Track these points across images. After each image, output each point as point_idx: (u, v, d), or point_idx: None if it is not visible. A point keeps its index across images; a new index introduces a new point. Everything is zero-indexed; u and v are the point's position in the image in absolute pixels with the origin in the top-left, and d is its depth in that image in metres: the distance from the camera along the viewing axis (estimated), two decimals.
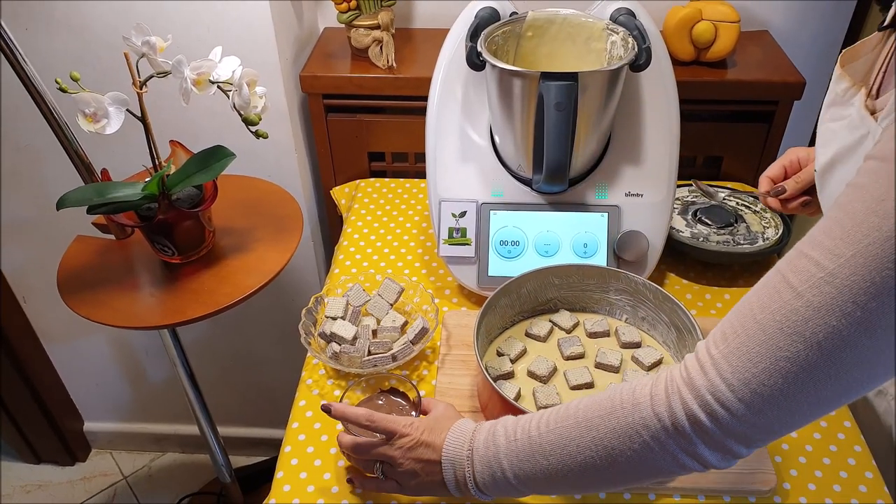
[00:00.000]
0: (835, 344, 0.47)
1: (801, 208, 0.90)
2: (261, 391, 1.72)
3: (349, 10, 1.20)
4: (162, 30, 0.89)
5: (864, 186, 0.47)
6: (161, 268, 1.00)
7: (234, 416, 1.78)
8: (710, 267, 1.09)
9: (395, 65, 1.22)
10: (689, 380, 0.54)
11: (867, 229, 0.45)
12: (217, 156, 0.93)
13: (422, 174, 1.11)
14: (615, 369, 0.87)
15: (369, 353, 0.90)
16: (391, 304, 0.96)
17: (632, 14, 0.94)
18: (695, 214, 1.12)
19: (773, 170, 0.92)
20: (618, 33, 0.94)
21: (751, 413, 0.51)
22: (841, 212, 0.48)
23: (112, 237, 1.05)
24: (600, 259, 0.99)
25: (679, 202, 1.15)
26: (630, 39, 0.92)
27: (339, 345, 0.91)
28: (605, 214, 0.99)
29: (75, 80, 0.84)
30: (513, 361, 0.89)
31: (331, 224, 1.46)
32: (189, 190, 0.96)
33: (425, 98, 1.03)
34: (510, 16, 0.98)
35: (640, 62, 0.91)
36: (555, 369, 0.87)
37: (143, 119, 0.87)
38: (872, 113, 0.63)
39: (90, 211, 0.91)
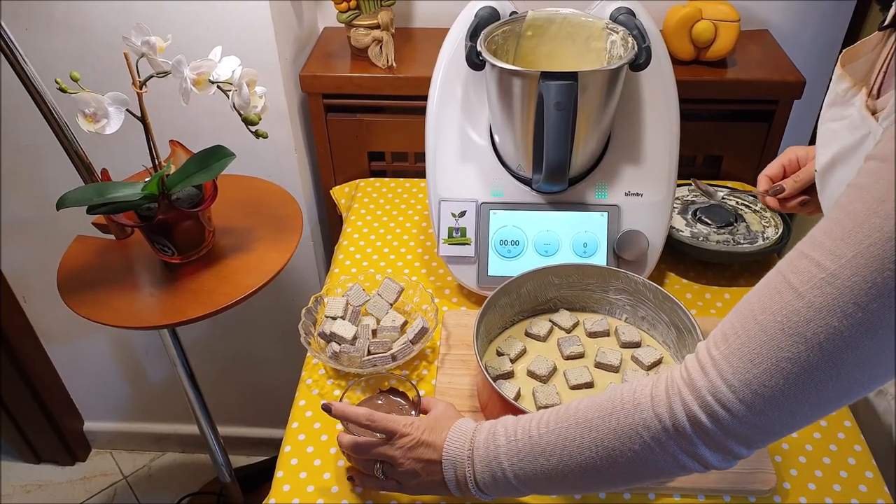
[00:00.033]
0: (836, 345, 0.47)
1: (799, 207, 0.90)
2: (261, 391, 1.72)
3: (349, 9, 1.20)
4: (162, 30, 0.89)
5: (864, 187, 0.47)
6: (161, 268, 1.00)
7: (234, 416, 1.78)
8: (709, 266, 1.09)
9: (394, 64, 1.22)
10: (690, 380, 0.54)
11: (868, 230, 0.45)
12: (217, 156, 0.93)
13: (422, 174, 1.11)
14: (615, 369, 0.87)
15: (369, 353, 0.90)
16: (391, 304, 0.96)
17: (631, 13, 0.94)
18: (695, 214, 1.12)
19: (772, 168, 0.92)
20: (617, 32, 0.94)
21: (752, 414, 0.51)
22: (842, 212, 0.48)
23: (112, 237, 1.05)
24: (600, 258, 0.99)
25: (679, 202, 1.15)
26: (630, 39, 0.92)
27: (339, 344, 0.91)
28: (605, 214, 0.99)
29: (75, 80, 0.84)
30: (512, 361, 0.89)
31: (331, 224, 1.46)
32: (189, 190, 0.96)
33: (425, 98, 1.03)
34: (510, 15, 0.98)
35: (639, 61, 0.91)
36: (554, 369, 0.87)
37: (142, 119, 0.87)
38: (873, 113, 0.63)
39: (90, 211, 0.91)
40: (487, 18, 0.96)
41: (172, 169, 0.95)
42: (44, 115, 0.91)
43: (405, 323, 0.95)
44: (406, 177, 1.31)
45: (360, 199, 1.25)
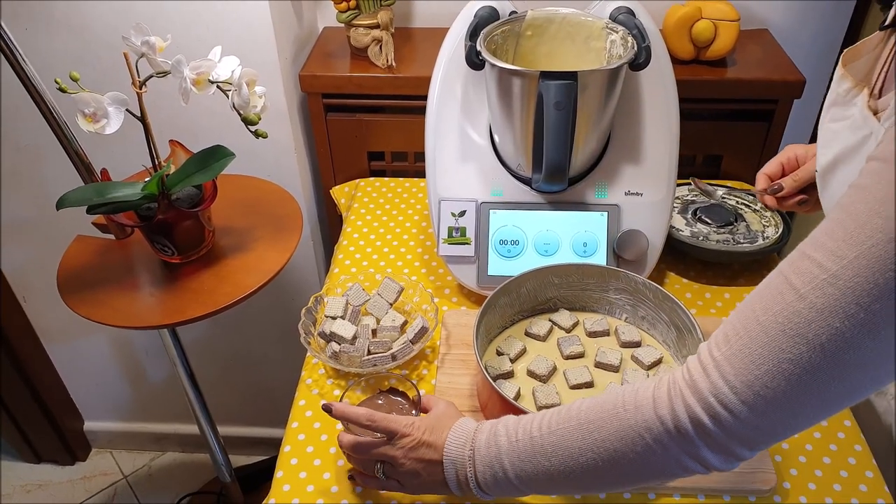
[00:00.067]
0: (838, 346, 0.47)
1: (797, 206, 0.90)
2: (261, 391, 1.72)
3: (348, 9, 1.20)
4: (162, 30, 0.89)
5: (866, 188, 0.47)
6: (161, 268, 1.00)
7: (234, 416, 1.78)
8: (709, 266, 1.09)
9: (394, 64, 1.21)
10: (692, 382, 0.54)
11: (870, 231, 0.45)
12: (216, 155, 0.93)
13: (421, 173, 1.11)
14: (615, 369, 0.87)
15: (369, 353, 0.90)
16: (391, 304, 0.96)
17: (631, 13, 0.94)
18: (695, 213, 1.12)
19: (771, 167, 0.92)
20: (617, 32, 0.94)
21: (754, 415, 0.51)
22: (843, 213, 0.48)
23: (112, 237, 1.05)
24: (600, 258, 0.99)
25: (679, 201, 1.15)
26: (629, 38, 0.92)
27: (339, 344, 0.91)
28: (605, 213, 0.99)
29: (75, 80, 0.84)
30: (512, 361, 0.89)
31: (330, 223, 1.46)
32: (189, 190, 0.96)
33: (425, 97, 1.03)
34: (509, 15, 0.98)
35: (639, 61, 0.90)
36: (554, 369, 0.87)
37: (142, 119, 0.87)
38: (875, 113, 0.63)
39: (90, 211, 0.91)
40: (487, 18, 0.96)
41: (172, 169, 0.95)
42: (44, 115, 0.90)
43: (405, 323, 0.95)
44: (406, 176, 1.31)
45: (360, 198, 1.25)
